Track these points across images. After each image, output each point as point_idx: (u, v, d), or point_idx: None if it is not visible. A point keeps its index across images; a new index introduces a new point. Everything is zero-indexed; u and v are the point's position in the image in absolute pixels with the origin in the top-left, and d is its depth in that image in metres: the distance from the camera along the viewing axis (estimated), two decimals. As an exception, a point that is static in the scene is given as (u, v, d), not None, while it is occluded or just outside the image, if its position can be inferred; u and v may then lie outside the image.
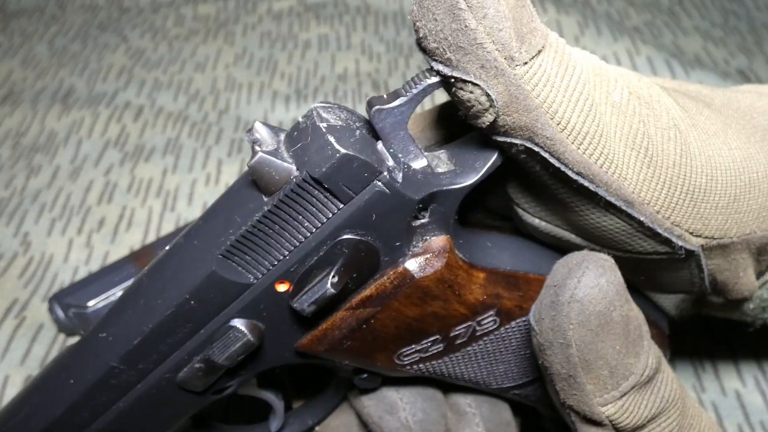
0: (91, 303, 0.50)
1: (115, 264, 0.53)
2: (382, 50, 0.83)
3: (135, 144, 0.70)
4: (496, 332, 0.31)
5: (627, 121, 0.26)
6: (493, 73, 0.24)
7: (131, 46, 0.87)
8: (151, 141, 0.71)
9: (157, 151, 0.69)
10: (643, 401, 0.27)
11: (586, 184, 0.26)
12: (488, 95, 0.24)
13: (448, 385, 0.34)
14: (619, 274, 0.26)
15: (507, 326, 0.31)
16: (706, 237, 0.28)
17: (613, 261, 0.26)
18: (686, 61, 0.71)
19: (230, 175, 0.66)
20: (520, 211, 0.30)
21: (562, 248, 0.31)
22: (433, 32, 0.24)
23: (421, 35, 0.25)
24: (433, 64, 0.25)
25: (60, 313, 0.50)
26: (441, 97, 0.73)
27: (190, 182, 0.66)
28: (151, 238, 0.60)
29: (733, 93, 0.33)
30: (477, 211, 0.34)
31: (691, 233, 0.28)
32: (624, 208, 0.27)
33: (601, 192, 0.26)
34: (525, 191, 0.30)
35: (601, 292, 0.25)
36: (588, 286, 0.25)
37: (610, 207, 0.27)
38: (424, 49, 0.25)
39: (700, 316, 0.38)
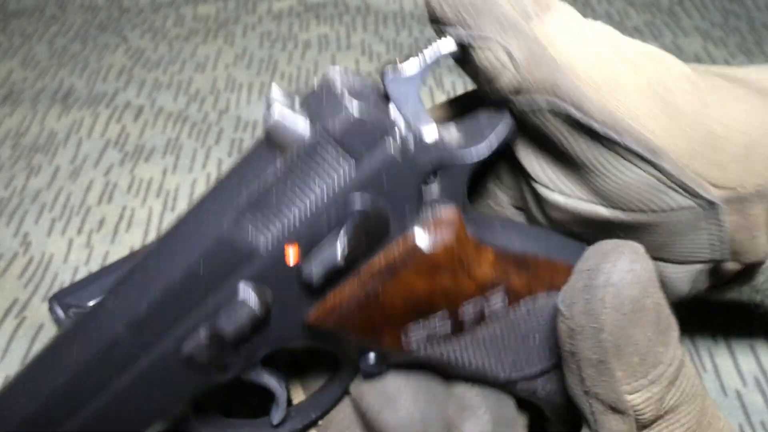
0: (91, 303, 0.50)
1: (116, 264, 0.53)
2: (382, 50, 0.83)
3: (135, 144, 0.70)
4: (504, 314, 0.31)
5: (642, 72, 0.27)
6: (511, 32, 0.24)
7: (131, 46, 0.87)
8: (151, 141, 0.71)
9: (157, 151, 0.69)
10: (669, 392, 0.27)
11: (612, 135, 0.26)
12: (509, 52, 0.25)
13: (453, 379, 0.34)
14: (651, 261, 0.26)
15: (516, 308, 0.31)
16: (725, 188, 0.29)
17: (644, 249, 0.26)
18: (686, 61, 0.71)
19: (230, 175, 0.66)
20: (539, 188, 0.30)
21: (579, 235, 0.31)
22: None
23: (434, 4, 0.25)
24: (449, 29, 0.25)
25: (60, 313, 0.50)
26: (440, 98, 0.73)
27: (190, 182, 0.66)
28: (151, 238, 0.60)
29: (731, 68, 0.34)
30: (487, 207, 0.34)
31: (712, 184, 0.28)
32: (650, 157, 0.27)
33: (627, 142, 0.26)
34: (544, 164, 0.30)
35: (635, 278, 0.25)
36: (623, 270, 0.25)
37: (636, 158, 0.27)
38: (437, 18, 0.25)
39: (707, 302, 0.38)
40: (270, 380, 0.34)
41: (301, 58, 0.83)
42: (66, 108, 0.75)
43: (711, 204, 0.29)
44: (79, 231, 0.60)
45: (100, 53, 0.86)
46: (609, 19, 0.81)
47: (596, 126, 0.26)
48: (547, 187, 0.30)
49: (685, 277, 0.33)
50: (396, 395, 0.33)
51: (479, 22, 0.25)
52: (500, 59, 0.25)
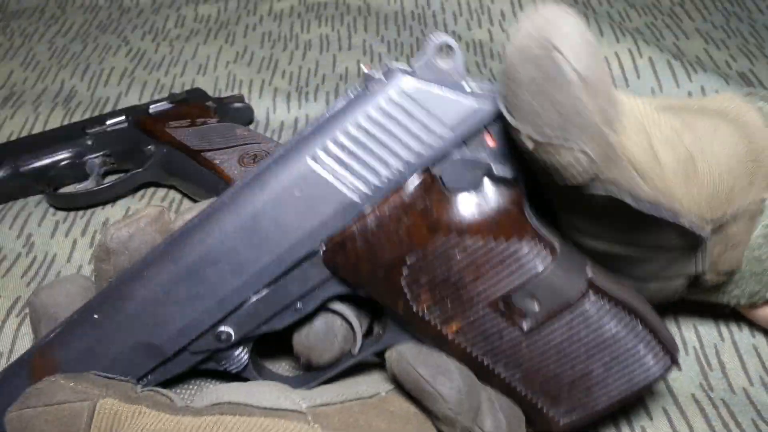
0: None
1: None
2: (383, 51, 0.83)
3: (137, 145, 0.70)
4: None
5: (674, 150, 0.31)
6: (593, 137, 0.27)
7: (132, 48, 0.87)
8: (153, 142, 0.70)
9: (160, 151, 0.69)
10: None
11: (654, 212, 0.30)
12: (591, 157, 0.28)
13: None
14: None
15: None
16: (713, 220, 0.33)
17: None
18: (687, 63, 0.71)
19: (234, 175, 0.66)
20: (581, 238, 0.34)
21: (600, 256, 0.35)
22: (544, 112, 0.27)
23: (528, 108, 0.27)
24: (529, 132, 0.28)
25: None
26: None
27: (193, 183, 0.65)
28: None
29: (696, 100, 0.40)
30: None
31: (707, 221, 0.33)
32: (675, 220, 0.31)
33: (665, 215, 0.30)
34: (589, 224, 0.33)
35: None
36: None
37: (666, 224, 0.31)
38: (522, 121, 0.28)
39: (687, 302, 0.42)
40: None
41: (302, 59, 0.83)
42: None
43: (704, 238, 0.33)
44: (83, 232, 0.60)
45: (101, 54, 0.85)
46: (611, 20, 0.81)
47: (645, 208, 0.30)
48: (587, 237, 0.34)
49: (671, 289, 0.38)
50: (447, 366, 0.34)
51: (566, 126, 0.27)
52: (581, 162, 0.28)
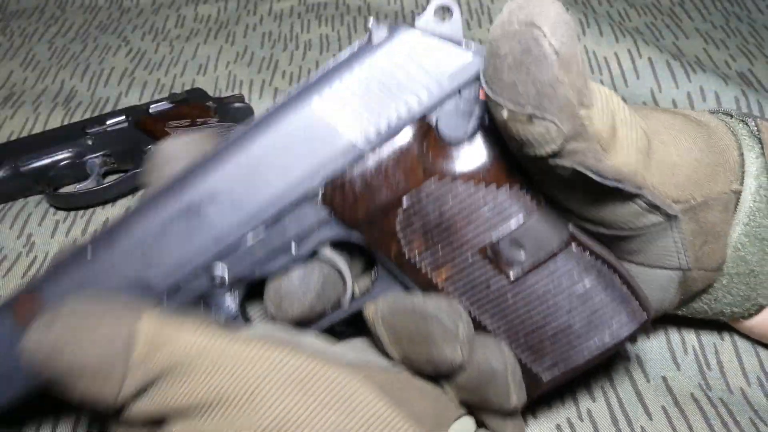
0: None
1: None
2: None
3: (138, 145, 0.70)
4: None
5: (633, 129, 0.32)
6: (567, 115, 0.29)
7: (132, 48, 0.87)
8: (153, 142, 0.70)
9: (160, 151, 0.69)
10: None
11: (618, 186, 0.32)
12: (561, 129, 0.29)
13: None
14: None
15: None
16: (681, 202, 0.35)
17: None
18: (687, 63, 0.71)
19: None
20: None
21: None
22: (522, 85, 0.29)
23: (507, 78, 0.29)
24: (506, 104, 0.29)
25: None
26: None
27: (193, 183, 0.65)
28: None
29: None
30: None
31: (674, 201, 0.35)
32: (638, 192, 0.33)
33: (626, 188, 0.32)
34: (561, 198, 0.35)
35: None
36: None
37: (629, 196, 0.33)
38: (496, 91, 0.30)
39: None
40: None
41: (302, 59, 0.83)
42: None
43: (674, 217, 0.35)
44: (84, 232, 0.60)
45: (101, 55, 0.85)
46: (610, 19, 0.81)
47: (608, 182, 0.31)
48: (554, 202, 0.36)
49: (660, 282, 0.39)
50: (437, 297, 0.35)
51: (541, 99, 0.28)
52: (551, 134, 0.29)
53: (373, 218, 0.35)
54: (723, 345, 0.48)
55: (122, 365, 0.31)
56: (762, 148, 0.40)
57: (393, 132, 0.34)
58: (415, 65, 0.33)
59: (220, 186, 0.35)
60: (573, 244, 0.35)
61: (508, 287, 0.35)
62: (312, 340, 0.35)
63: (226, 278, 0.36)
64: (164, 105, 0.67)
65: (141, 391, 0.32)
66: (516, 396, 0.35)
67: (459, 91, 0.34)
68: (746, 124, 0.41)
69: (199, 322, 0.33)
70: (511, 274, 0.35)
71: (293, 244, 0.36)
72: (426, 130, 0.34)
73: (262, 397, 0.31)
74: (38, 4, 0.97)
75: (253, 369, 0.32)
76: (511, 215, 0.34)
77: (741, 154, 0.39)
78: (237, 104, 0.71)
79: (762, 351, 0.47)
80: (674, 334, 0.49)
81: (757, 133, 0.40)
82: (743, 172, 0.39)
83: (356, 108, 0.34)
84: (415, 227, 0.35)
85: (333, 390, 0.32)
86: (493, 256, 0.34)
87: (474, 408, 0.36)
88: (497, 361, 0.34)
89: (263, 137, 0.35)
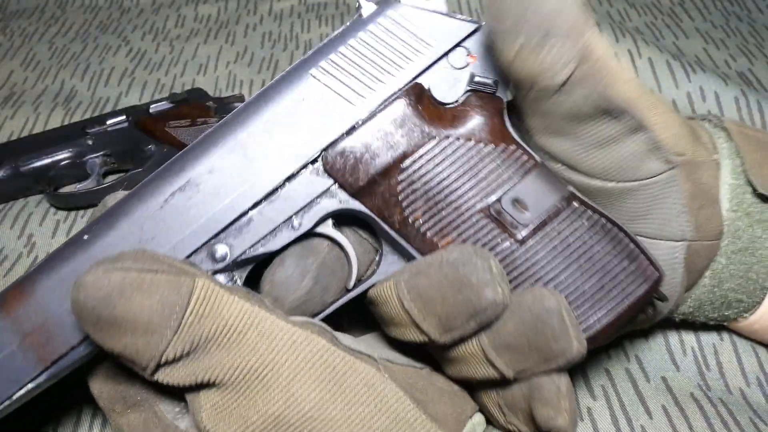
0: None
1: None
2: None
3: (138, 145, 0.70)
4: None
5: (630, 71, 0.35)
6: (576, 34, 0.31)
7: (132, 48, 0.87)
8: (154, 142, 0.70)
9: (160, 151, 0.69)
10: None
11: (631, 111, 0.34)
12: (570, 52, 0.31)
13: None
14: None
15: None
16: (682, 155, 0.37)
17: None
18: (687, 63, 0.71)
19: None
20: (552, 163, 0.38)
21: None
22: (529, 14, 0.31)
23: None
24: (514, 37, 0.32)
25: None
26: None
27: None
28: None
29: None
30: None
31: (674, 153, 0.36)
32: (646, 125, 0.35)
33: (635, 114, 0.34)
34: (557, 144, 0.37)
35: None
36: None
37: (635, 129, 0.35)
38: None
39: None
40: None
41: (302, 59, 0.83)
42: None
43: (674, 168, 0.36)
44: (84, 232, 0.60)
45: (101, 54, 0.85)
46: (611, 19, 0.81)
47: (616, 111, 0.33)
48: (557, 161, 0.38)
49: (667, 259, 0.39)
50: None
51: (549, 25, 0.31)
52: (559, 56, 0.31)
53: (374, 183, 0.35)
54: (722, 345, 0.48)
55: (173, 326, 0.30)
56: (728, 134, 0.41)
57: (388, 97, 0.35)
58: (404, 32, 0.35)
59: (220, 161, 0.35)
60: (574, 202, 0.35)
61: (516, 248, 0.35)
62: (342, 334, 0.35)
63: (227, 256, 0.36)
64: (164, 105, 0.67)
65: (183, 356, 0.31)
66: (576, 339, 0.32)
67: (447, 54, 0.36)
68: (709, 120, 0.43)
69: (250, 295, 0.33)
70: (518, 235, 0.35)
71: (294, 219, 0.36)
72: (420, 94, 0.36)
73: (301, 385, 0.32)
74: (38, 4, 0.97)
75: (295, 353, 0.32)
76: (509, 174, 0.35)
77: (711, 138, 0.41)
78: (237, 104, 0.71)
79: (761, 351, 0.47)
80: (673, 336, 0.49)
81: (720, 123, 0.42)
82: (717, 153, 0.40)
83: (352, 75, 0.35)
84: (417, 190, 0.35)
85: (366, 386, 0.32)
86: (497, 215, 0.35)
87: (522, 376, 0.33)
88: (549, 300, 0.32)
89: (261, 110, 0.35)
